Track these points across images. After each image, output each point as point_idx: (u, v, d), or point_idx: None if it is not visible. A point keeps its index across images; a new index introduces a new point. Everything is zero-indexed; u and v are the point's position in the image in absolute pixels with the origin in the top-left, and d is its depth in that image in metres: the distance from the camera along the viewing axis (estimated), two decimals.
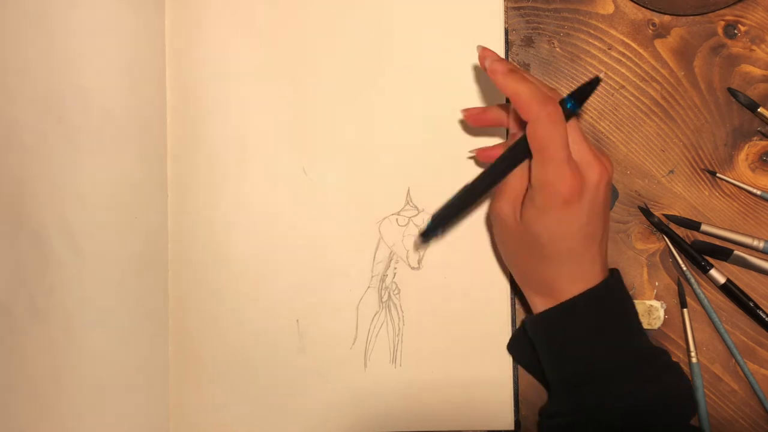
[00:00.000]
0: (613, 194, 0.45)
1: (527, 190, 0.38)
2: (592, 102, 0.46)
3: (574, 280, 0.37)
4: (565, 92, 0.46)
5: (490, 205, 0.41)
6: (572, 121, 0.37)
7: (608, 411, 0.37)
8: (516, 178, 0.38)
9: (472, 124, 0.42)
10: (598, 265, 0.38)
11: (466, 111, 0.41)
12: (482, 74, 0.45)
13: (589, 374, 0.38)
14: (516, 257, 0.40)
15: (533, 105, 0.35)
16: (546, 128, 0.35)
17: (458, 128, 0.45)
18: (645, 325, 0.44)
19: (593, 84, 0.33)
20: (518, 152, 0.37)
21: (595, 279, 0.38)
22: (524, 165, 0.38)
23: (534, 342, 0.41)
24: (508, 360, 0.44)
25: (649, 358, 0.38)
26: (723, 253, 0.45)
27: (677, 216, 0.45)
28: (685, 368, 0.45)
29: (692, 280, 0.45)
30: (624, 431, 0.37)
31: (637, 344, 0.38)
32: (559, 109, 0.35)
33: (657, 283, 0.45)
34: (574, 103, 0.34)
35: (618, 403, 0.37)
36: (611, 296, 0.38)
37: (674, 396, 0.38)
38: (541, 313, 0.39)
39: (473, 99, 0.45)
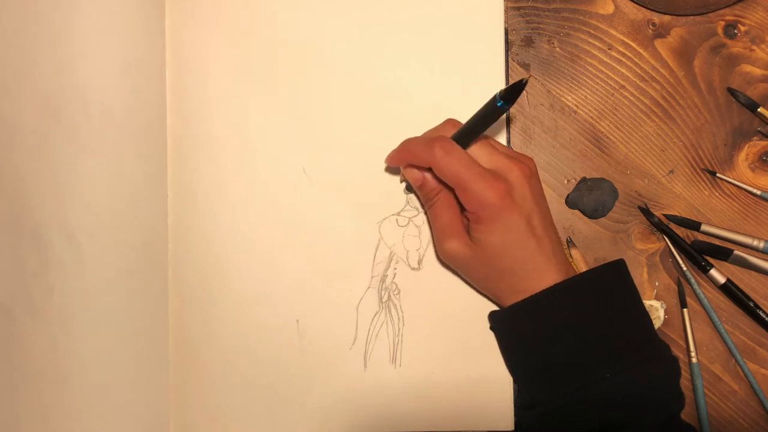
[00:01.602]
0: (612, 194, 0.45)
1: (461, 220, 0.40)
2: (592, 102, 0.46)
3: (541, 276, 0.39)
4: (564, 92, 0.46)
5: (440, 253, 0.42)
6: (480, 141, 0.40)
7: (586, 397, 0.37)
8: (445, 216, 0.40)
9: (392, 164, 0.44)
10: (557, 258, 0.39)
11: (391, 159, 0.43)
12: (481, 74, 0.45)
13: (560, 365, 0.38)
14: (486, 281, 0.41)
15: (423, 152, 0.39)
16: (444, 161, 0.38)
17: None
18: None
19: (521, 84, 0.34)
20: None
21: (561, 273, 0.39)
22: (443, 201, 0.40)
23: (498, 337, 0.43)
24: None
25: (632, 349, 0.38)
26: (723, 253, 0.45)
27: (677, 216, 0.45)
28: (685, 368, 0.45)
29: (692, 280, 0.45)
30: (604, 419, 0.37)
31: (621, 335, 0.39)
32: (447, 141, 0.38)
33: (657, 283, 0.45)
34: (503, 102, 0.35)
35: (594, 389, 0.37)
36: (584, 288, 0.39)
37: (657, 387, 0.38)
38: (504, 309, 0.41)
39: (472, 97, 0.44)
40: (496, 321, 0.43)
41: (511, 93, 0.34)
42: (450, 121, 0.41)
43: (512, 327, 0.41)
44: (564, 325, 0.38)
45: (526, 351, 0.40)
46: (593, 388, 0.37)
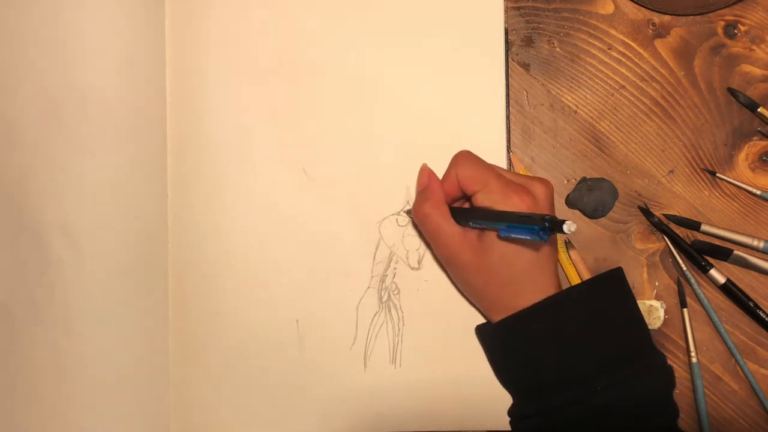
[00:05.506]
0: (612, 194, 0.45)
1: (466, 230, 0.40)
2: (592, 102, 0.46)
3: (536, 290, 0.39)
4: (564, 92, 0.46)
5: (446, 256, 0.41)
6: (497, 167, 0.41)
7: (580, 410, 0.37)
8: (452, 223, 0.40)
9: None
10: (554, 276, 0.40)
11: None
12: (481, 74, 0.45)
13: (554, 378, 0.38)
14: (485, 291, 0.40)
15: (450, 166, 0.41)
16: (471, 161, 0.40)
17: (458, 128, 0.45)
18: None
19: None
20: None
21: (554, 287, 0.39)
22: (446, 211, 0.40)
23: (486, 350, 0.43)
24: None
25: (624, 362, 0.38)
26: (723, 253, 0.45)
27: (677, 216, 0.45)
28: (685, 368, 0.45)
29: (692, 280, 0.45)
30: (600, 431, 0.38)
31: (614, 347, 0.39)
32: (468, 151, 0.41)
33: (657, 283, 0.45)
34: None
35: (588, 402, 0.37)
36: (575, 300, 0.39)
37: (650, 398, 0.38)
38: (497, 323, 0.40)
39: (472, 97, 0.45)
40: (485, 335, 0.42)
41: None
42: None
43: (505, 341, 0.40)
44: (556, 339, 0.38)
45: (519, 364, 0.40)
46: (588, 401, 0.37)
